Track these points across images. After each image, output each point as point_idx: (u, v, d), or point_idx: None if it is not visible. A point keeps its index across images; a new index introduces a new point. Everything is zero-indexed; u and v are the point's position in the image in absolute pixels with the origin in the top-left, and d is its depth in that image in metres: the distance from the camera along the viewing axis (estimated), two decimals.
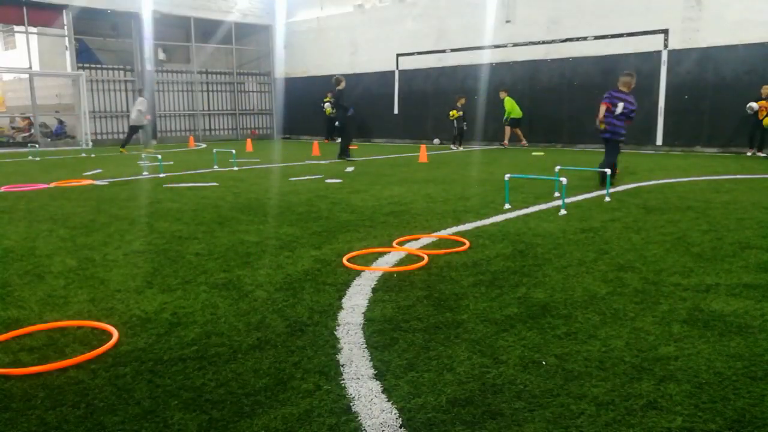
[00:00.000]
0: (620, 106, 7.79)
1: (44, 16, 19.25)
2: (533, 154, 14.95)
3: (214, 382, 2.32)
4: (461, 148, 17.54)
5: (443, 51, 19.32)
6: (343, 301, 3.31)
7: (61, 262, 4.25)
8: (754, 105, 12.78)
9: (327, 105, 20.99)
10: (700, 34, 14.62)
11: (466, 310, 3.13)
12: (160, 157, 11.84)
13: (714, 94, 14.47)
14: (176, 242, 4.86)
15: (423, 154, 13.16)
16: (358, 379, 2.34)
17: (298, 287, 3.56)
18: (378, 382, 2.30)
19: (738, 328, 2.80)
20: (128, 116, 20.74)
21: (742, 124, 13.52)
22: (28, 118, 20.48)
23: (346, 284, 3.62)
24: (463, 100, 17.45)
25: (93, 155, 15.75)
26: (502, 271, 3.86)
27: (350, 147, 13.75)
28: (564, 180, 6.09)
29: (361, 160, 13.20)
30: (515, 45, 17.69)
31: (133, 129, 17.56)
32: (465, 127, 17.55)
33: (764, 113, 12.75)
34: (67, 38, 19.63)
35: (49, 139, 20.48)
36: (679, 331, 2.79)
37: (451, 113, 17.54)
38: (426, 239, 4.90)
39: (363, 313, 3.11)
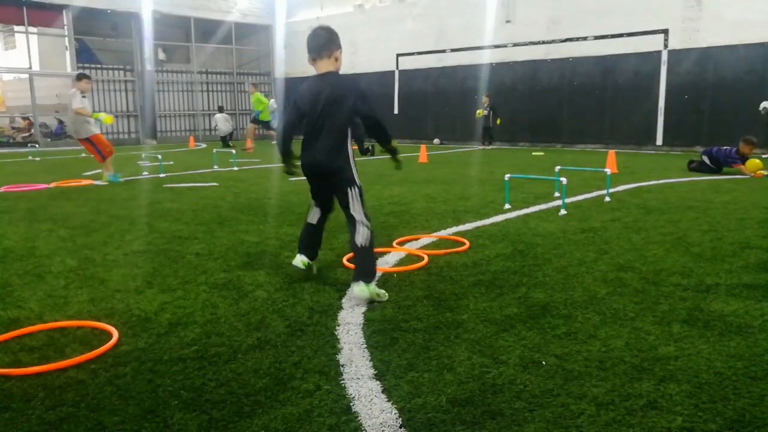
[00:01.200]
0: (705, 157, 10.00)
1: (44, 16, 19.25)
2: (533, 154, 14.95)
3: (214, 382, 2.32)
4: (489, 146, 17.51)
5: (443, 51, 19.32)
6: (343, 301, 3.31)
7: (61, 262, 4.25)
8: (767, 104, 12.68)
9: None
10: (700, 34, 14.62)
11: (466, 310, 3.13)
12: (160, 156, 11.84)
13: (714, 94, 14.48)
14: (176, 242, 4.86)
15: (423, 154, 13.16)
16: (358, 379, 2.34)
17: (298, 287, 3.57)
18: (378, 382, 2.30)
19: (738, 328, 2.80)
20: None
21: (752, 126, 13.39)
22: (28, 118, 20.48)
23: (346, 284, 3.62)
24: (486, 99, 17.37)
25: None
26: (502, 271, 3.86)
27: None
28: (564, 180, 6.09)
29: (361, 160, 13.20)
30: (515, 45, 17.70)
31: (223, 139, 20.06)
32: (491, 125, 17.44)
33: None
34: (67, 38, 19.63)
35: (49, 139, 20.49)
36: (679, 331, 2.79)
37: (477, 112, 17.50)
38: (426, 239, 4.90)
39: (363, 313, 3.11)
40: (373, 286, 3.30)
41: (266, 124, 16.81)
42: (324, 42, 3.57)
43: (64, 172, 10.94)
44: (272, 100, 22.19)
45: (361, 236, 3.40)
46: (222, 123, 20.01)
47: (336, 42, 3.61)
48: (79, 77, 9.13)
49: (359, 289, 3.26)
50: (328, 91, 3.50)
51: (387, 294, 3.36)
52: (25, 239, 5.03)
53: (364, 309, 3.17)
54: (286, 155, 3.72)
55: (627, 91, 15.86)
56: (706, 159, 9.89)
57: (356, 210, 3.46)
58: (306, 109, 3.57)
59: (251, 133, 16.96)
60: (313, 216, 3.77)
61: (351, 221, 3.47)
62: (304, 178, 3.74)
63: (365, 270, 3.33)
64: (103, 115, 9.20)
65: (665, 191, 7.62)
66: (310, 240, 3.80)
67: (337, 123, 3.50)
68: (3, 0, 18.24)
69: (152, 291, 3.52)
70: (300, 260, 3.75)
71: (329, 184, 3.63)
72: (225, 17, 23.02)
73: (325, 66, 3.59)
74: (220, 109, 21.34)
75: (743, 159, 9.59)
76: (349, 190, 3.48)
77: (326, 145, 3.51)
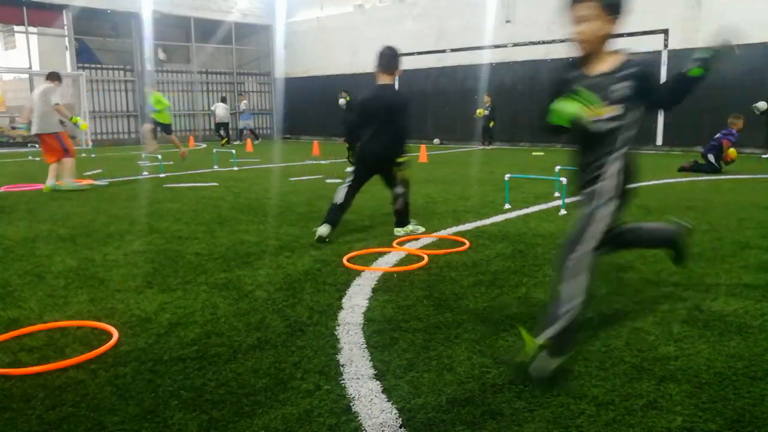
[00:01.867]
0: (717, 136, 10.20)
1: (44, 16, 19.25)
2: (533, 154, 14.95)
3: (214, 382, 2.32)
4: (489, 146, 17.55)
5: (443, 51, 19.32)
6: (343, 301, 3.31)
7: (61, 262, 4.25)
8: (760, 105, 12.65)
9: (341, 101, 20.69)
10: (700, 34, 14.61)
11: (466, 310, 3.13)
12: (160, 156, 11.84)
13: (714, 94, 14.45)
14: (176, 242, 4.86)
15: (423, 154, 13.16)
16: (358, 379, 2.34)
17: (298, 287, 3.57)
18: (378, 382, 2.30)
19: (738, 328, 2.80)
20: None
21: (752, 126, 13.36)
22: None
23: (346, 284, 3.62)
24: (488, 99, 17.42)
25: (93, 155, 15.75)
26: (502, 271, 3.86)
27: None
28: (564, 180, 6.09)
29: None
30: (515, 45, 17.69)
31: (219, 126, 20.79)
32: (491, 126, 17.46)
33: None
34: (67, 38, 19.63)
35: None
36: (679, 331, 2.79)
37: (478, 112, 17.53)
38: (426, 239, 4.90)
39: (363, 313, 3.11)
40: (404, 229, 5.01)
41: (166, 128, 13.48)
42: (395, 62, 4.95)
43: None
44: (244, 102, 22.33)
45: (398, 204, 4.97)
46: (221, 110, 20.64)
47: (398, 63, 4.98)
48: (56, 76, 8.58)
49: (397, 230, 5.02)
50: (387, 100, 4.75)
51: (422, 227, 5.10)
52: (25, 239, 5.03)
53: (364, 309, 3.17)
54: (353, 145, 4.99)
55: None
56: (712, 158, 9.89)
57: (398, 185, 4.90)
58: (370, 111, 4.77)
59: (150, 134, 13.68)
60: (344, 197, 4.86)
61: (395, 193, 4.94)
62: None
63: (402, 221, 5.04)
64: (80, 121, 8.81)
65: (665, 191, 7.62)
66: (341, 216, 4.87)
67: (392, 124, 4.72)
68: (3, 0, 18.24)
69: (152, 291, 3.52)
70: (326, 229, 4.71)
71: (381, 169, 4.89)
72: (225, 17, 23.02)
73: (385, 79, 4.85)
74: (223, 100, 21.77)
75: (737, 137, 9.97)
76: (397, 172, 4.88)
77: (385, 140, 4.73)
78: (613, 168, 2.46)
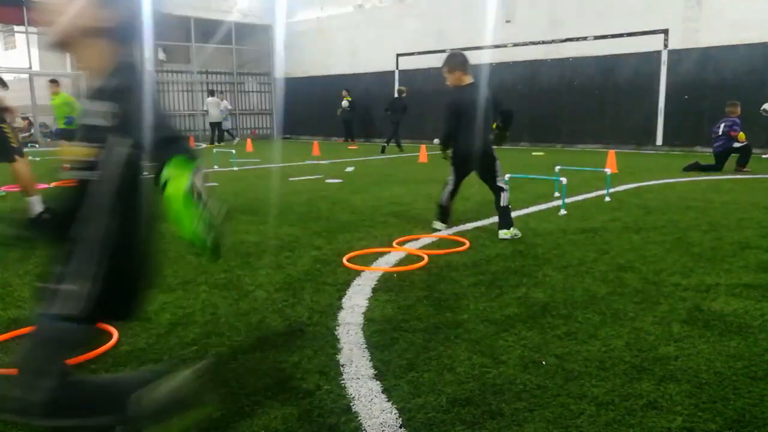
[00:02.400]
0: (721, 127, 10.30)
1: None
2: (533, 154, 14.94)
3: (214, 382, 2.32)
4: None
5: (443, 51, 19.31)
6: (343, 301, 3.31)
7: None
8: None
9: (344, 103, 20.56)
10: (700, 34, 14.61)
11: (466, 310, 3.13)
12: None
13: (714, 94, 14.47)
14: (176, 242, 4.85)
15: (423, 154, 13.16)
16: (358, 379, 2.34)
17: (298, 287, 3.56)
18: (378, 382, 2.30)
19: (738, 328, 2.80)
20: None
21: (752, 126, 13.33)
22: (28, 118, 20.48)
23: (346, 284, 3.62)
24: None
25: None
26: (502, 271, 3.86)
27: (351, 147, 13.83)
28: (564, 180, 6.09)
29: (361, 160, 13.20)
30: (515, 45, 17.69)
31: (213, 126, 20.51)
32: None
33: None
34: None
35: (48, 139, 20.48)
36: (679, 331, 2.79)
37: None
38: (426, 239, 4.90)
39: (363, 313, 3.11)
40: (509, 231, 4.80)
41: (68, 134, 10.98)
42: (468, 63, 5.12)
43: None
44: (225, 102, 21.60)
45: (504, 200, 4.87)
46: (213, 108, 20.29)
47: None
48: (1, 81, 9.22)
49: (503, 233, 4.81)
50: (482, 96, 4.91)
51: (519, 233, 4.86)
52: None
53: (364, 309, 3.17)
54: (447, 145, 5.18)
55: (627, 91, 15.85)
56: (734, 145, 9.96)
57: (500, 180, 4.93)
58: (466, 110, 4.89)
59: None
60: (449, 193, 5.22)
61: (497, 190, 4.89)
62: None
63: (506, 222, 4.84)
64: None
65: (665, 191, 7.62)
66: (448, 211, 5.26)
67: (485, 119, 4.92)
68: (3, 0, 18.24)
69: (152, 291, 3.52)
70: (439, 225, 5.23)
71: (478, 163, 4.97)
72: (225, 17, 23.00)
73: (469, 78, 5.04)
74: (211, 93, 21.21)
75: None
76: (494, 164, 4.95)
77: (481, 135, 4.91)
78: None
